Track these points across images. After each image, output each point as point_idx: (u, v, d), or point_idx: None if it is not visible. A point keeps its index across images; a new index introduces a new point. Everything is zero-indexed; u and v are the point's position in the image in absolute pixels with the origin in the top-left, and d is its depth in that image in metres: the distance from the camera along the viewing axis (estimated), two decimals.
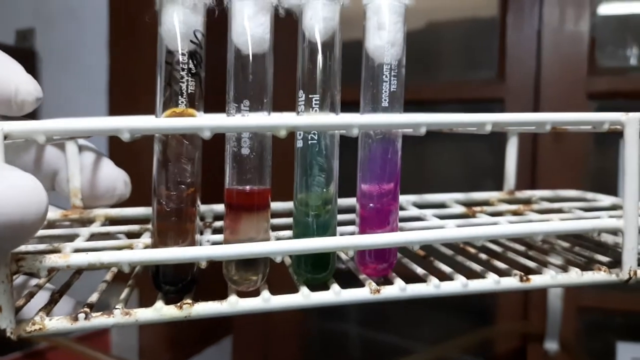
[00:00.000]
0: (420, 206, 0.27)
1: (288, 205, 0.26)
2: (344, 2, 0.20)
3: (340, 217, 0.24)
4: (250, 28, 0.19)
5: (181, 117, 0.19)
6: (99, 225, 0.24)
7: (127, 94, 0.82)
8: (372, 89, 0.21)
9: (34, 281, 0.22)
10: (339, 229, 0.22)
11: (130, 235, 0.24)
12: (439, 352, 0.79)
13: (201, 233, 0.24)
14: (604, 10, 0.78)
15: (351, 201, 0.26)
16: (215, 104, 0.24)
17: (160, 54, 0.19)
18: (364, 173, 0.21)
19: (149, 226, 0.24)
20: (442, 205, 0.28)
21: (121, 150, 0.25)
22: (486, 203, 0.29)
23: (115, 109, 0.83)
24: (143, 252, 0.18)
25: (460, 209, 0.27)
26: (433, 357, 0.81)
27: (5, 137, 0.17)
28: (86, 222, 0.25)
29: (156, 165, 0.19)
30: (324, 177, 0.20)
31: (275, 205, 0.25)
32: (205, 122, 0.18)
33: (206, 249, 0.18)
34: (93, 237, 0.23)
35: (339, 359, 1.00)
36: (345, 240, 0.19)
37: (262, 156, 0.20)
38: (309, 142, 0.20)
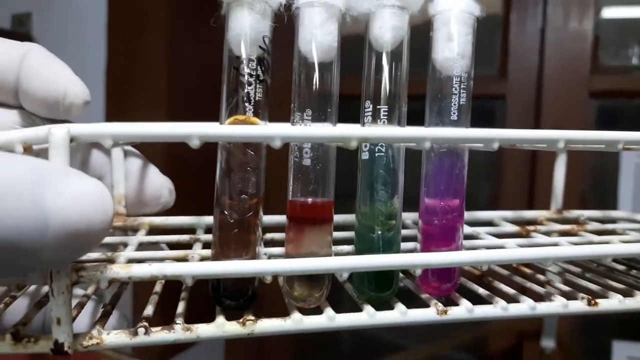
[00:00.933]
0: (470, 223, 0.27)
1: (350, 217, 0.25)
2: (414, 10, 0.20)
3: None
4: (319, 35, 0.19)
5: (245, 124, 0.18)
6: (143, 233, 0.24)
7: (125, 80, 0.81)
8: (440, 101, 0.20)
9: (79, 291, 0.21)
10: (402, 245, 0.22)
11: (178, 245, 0.23)
12: (434, 349, 0.78)
13: None
14: (607, 9, 0.78)
15: (410, 216, 0.26)
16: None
17: (225, 58, 0.19)
18: (429, 187, 0.20)
19: (199, 236, 0.23)
20: (490, 223, 0.27)
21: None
22: (535, 222, 0.28)
23: (112, 95, 0.81)
24: (208, 264, 0.17)
25: (513, 228, 0.26)
26: (429, 353, 0.80)
27: (72, 140, 0.16)
28: (129, 229, 0.24)
29: (219, 174, 0.19)
30: (389, 191, 0.19)
31: (336, 218, 0.24)
32: (276, 130, 0.17)
33: (273, 262, 0.17)
34: (141, 246, 0.22)
35: (333, 355, 0.98)
36: (414, 258, 0.18)
37: (326, 167, 0.19)
38: (376, 154, 0.19)
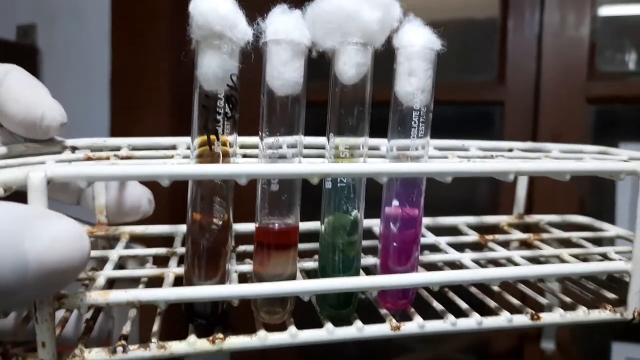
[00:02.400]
0: (434, 230, 0.28)
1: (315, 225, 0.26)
2: (376, 46, 0.21)
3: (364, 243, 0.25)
4: (284, 72, 0.20)
5: (216, 159, 0.20)
6: (123, 243, 0.25)
7: (129, 91, 0.82)
8: (401, 134, 0.21)
9: None
10: (362, 260, 0.23)
11: (156, 259, 0.25)
12: (436, 351, 0.81)
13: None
14: (604, 15, 0.79)
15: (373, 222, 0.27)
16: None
17: (195, 94, 0.20)
18: (388, 214, 0.22)
19: (175, 249, 0.25)
20: (454, 229, 0.29)
21: None
22: (497, 227, 0.30)
23: (117, 106, 0.82)
24: (179, 290, 0.19)
25: (473, 237, 0.28)
26: (430, 356, 0.83)
27: (48, 182, 0.17)
28: (111, 238, 0.26)
29: (190, 201, 0.20)
30: (351, 216, 0.21)
31: (303, 226, 0.26)
32: (242, 169, 0.18)
33: (239, 288, 0.19)
34: (121, 259, 0.24)
35: (336, 356, 1.02)
36: (369, 281, 0.20)
37: (291, 194, 0.21)
38: (338, 184, 0.21)
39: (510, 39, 0.79)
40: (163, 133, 0.26)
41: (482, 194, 0.88)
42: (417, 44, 0.21)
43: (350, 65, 0.20)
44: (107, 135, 0.81)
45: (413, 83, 0.21)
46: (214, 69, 0.19)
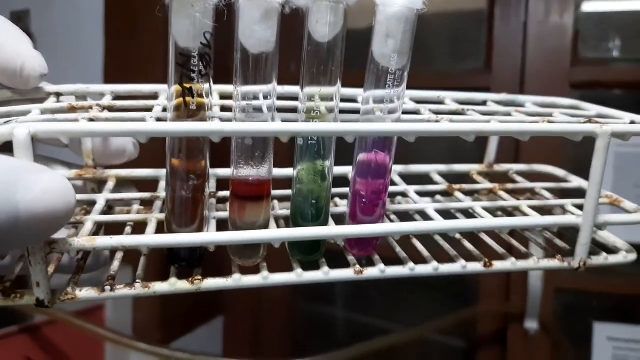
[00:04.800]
0: (406, 177, 0.30)
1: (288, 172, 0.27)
2: (350, 4, 0.21)
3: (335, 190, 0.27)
4: (257, 31, 0.20)
5: (192, 115, 0.21)
6: (110, 186, 0.27)
7: (123, 75, 0.81)
8: (375, 92, 0.22)
9: None
10: (332, 209, 0.25)
11: (141, 202, 0.26)
12: (420, 332, 0.85)
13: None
14: (587, 3, 0.81)
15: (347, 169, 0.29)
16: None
17: (171, 52, 0.20)
18: (358, 169, 0.23)
19: (159, 194, 0.26)
20: (426, 177, 0.31)
21: None
22: (466, 176, 0.31)
23: None
24: (161, 237, 0.20)
25: (441, 186, 0.29)
26: (414, 337, 0.86)
27: (32, 138, 0.18)
28: (99, 181, 0.27)
29: (169, 153, 0.21)
30: (320, 173, 0.22)
31: (277, 172, 0.27)
32: (215, 126, 0.19)
33: (215, 235, 0.21)
34: (107, 202, 0.25)
35: (325, 339, 1.07)
36: (337, 230, 0.22)
37: (264, 148, 0.22)
38: (309, 142, 0.22)
39: (496, 27, 0.81)
40: None
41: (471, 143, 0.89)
42: (397, 4, 0.21)
43: (323, 24, 0.21)
44: None
45: (390, 45, 0.21)
46: (187, 27, 0.20)
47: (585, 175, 0.24)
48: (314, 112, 0.21)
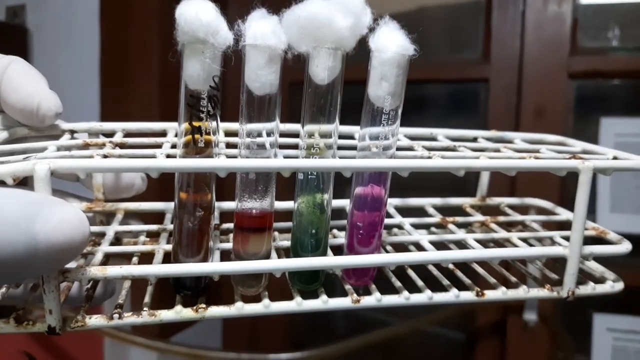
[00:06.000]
0: (401, 209, 0.31)
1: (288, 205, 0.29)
2: (347, 50, 0.23)
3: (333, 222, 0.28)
4: (262, 75, 0.22)
5: (200, 152, 0.22)
6: (119, 219, 0.28)
7: (119, 70, 0.82)
8: (370, 130, 0.23)
9: None
10: (330, 240, 0.26)
11: (149, 234, 0.27)
12: (418, 324, 0.85)
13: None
14: None
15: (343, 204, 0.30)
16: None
17: (181, 92, 0.22)
18: (356, 202, 0.24)
19: (165, 226, 0.27)
20: (421, 210, 0.32)
21: None
22: (460, 208, 0.33)
23: (107, 84, 0.83)
24: (168, 267, 0.21)
25: (436, 219, 0.31)
26: (413, 329, 0.86)
27: (52, 174, 0.20)
28: (108, 214, 0.29)
29: (177, 188, 0.23)
30: (319, 207, 0.24)
31: (278, 205, 0.28)
32: (222, 163, 0.21)
33: (219, 265, 0.22)
34: (116, 234, 0.26)
35: (324, 333, 1.07)
36: (335, 260, 0.23)
37: (267, 183, 0.23)
38: (309, 176, 0.23)
39: (494, 17, 0.80)
40: (153, 110, 0.29)
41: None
42: (390, 50, 0.22)
43: (323, 68, 0.22)
44: (97, 113, 0.82)
45: (384, 88, 0.23)
46: (197, 71, 0.21)
47: None
48: (313, 148, 0.23)
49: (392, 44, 0.22)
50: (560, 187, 0.78)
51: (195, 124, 0.22)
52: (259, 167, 0.21)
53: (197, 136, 0.22)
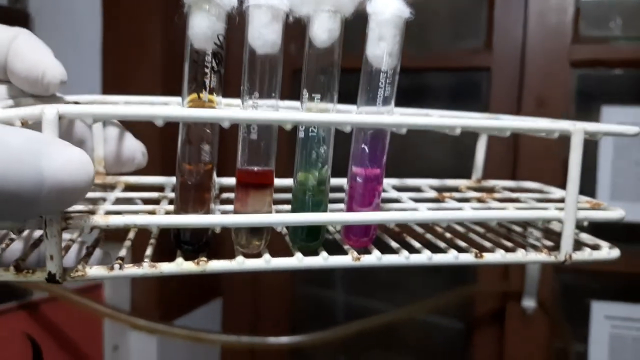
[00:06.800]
0: (400, 189, 0.32)
1: (289, 181, 0.29)
2: (346, 14, 0.24)
3: (332, 194, 0.28)
4: (265, 34, 0.23)
5: (204, 107, 0.23)
6: (120, 190, 0.28)
7: (121, 54, 0.83)
8: (369, 92, 0.24)
9: (66, 236, 0.26)
10: (330, 206, 0.26)
11: (149, 201, 0.28)
12: (417, 310, 0.84)
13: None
14: None
15: (343, 181, 0.30)
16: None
17: (187, 51, 0.23)
18: (355, 160, 0.25)
19: (166, 194, 0.28)
20: (418, 189, 0.32)
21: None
22: (455, 189, 0.33)
23: (108, 69, 0.84)
24: (170, 217, 0.22)
25: (433, 194, 0.31)
26: (412, 314, 0.85)
27: (60, 118, 0.20)
28: (108, 187, 0.29)
29: (180, 144, 0.23)
30: (320, 163, 0.24)
31: (278, 181, 0.29)
32: (225, 113, 0.21)
33: (221, 217, 0.22)
34: (118, 200, 0.27)
35: (324, 320, 1.06)
36: (335, 216, 0.23)
37: (268, 142, 0.24)
38: (310, 134, 0.24)
39: (497, 5, 0.81)
40: (155, 93, 0.29)
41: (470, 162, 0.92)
42: (387, 12, 0.24)
43: (323, 30, 0.23)
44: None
45: (382, 47, 0.24)
46: (203, 29, 0.22)
47: None
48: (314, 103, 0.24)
49: (389, 6, 0.23)
50: (562, 174, 0.79)
51: (200, 79, 0.22)
52: (262, 118, 0.22)
53: (202, 94, 0.23)
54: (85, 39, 0.84)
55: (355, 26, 0.25)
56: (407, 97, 0.92)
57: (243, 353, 1.01)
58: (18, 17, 0.84)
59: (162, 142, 0.68)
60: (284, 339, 0.71)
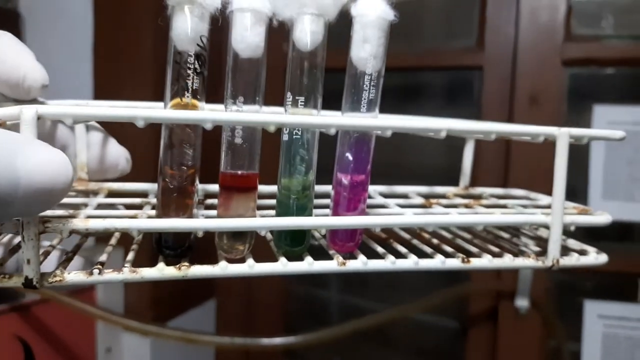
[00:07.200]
0: (387, 195, 0.31)
1: (273, 188, 0.29)
2: (330, 17, 0.24)
3: (318, 201, 0.28)
4: (248, 37, 0.23)
5: (186, 109, 0.22)
6: (102, 196, 0.28)
7: (112, 56, 0.83)
8: (354, 95, 0.24)
9: (46, 242, 0.25)
10: (315, 211, 0.26)
11: (132, 207, 0.27)
12: (411, 309, 0.83)
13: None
14: None
15: (328, 188, 0.30)
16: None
17: (170, 53, 0.23)
18: (340, 165, 0.25)
19: (149, 200, 0.27)
20: (405, 196, 0.32)
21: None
22: (443, 196, 0.33)
23: (100, 70, 0.83)
24: (151, 221, 0.21)
25: (420, 200, 0.31)
26: (405, 314, 0.85)
27: (38, 118, 0.20)
28: (90, 193, 0.28)
29: (163, 148, 0.23)
30: (304, 167, 0.24)
31: (262, 188, 0.29)
32: (208, 115, 0.21)
33: (203, 221, 0.22)
34: (100, 206, 0.26)
35: (318, 321, 1.05)
36: (319, 221, 0.23)
37: (252, 145, 0.23)
38: (294, 136, 0.24)
39: (489, 4, 0.82)
40: (146, 97, 0.29)
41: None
42: (372, 14, 0.24)
43: (306, 34, 0.23)
44: (90, 98, 0.82)
45: (367, 49, 0.24)
46: (185, 30, 0.22)
47: None
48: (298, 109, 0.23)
49: (374, 8, 0.23)
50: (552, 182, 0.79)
51: (182, 81, 0.22)
52: (245, 120, 0.22)
53: (184, 96, 0.22)
54: (76, 40, 0.84)
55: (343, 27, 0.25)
56: (400, 96, 0.92)
57: (237, 354, 1.00)
58: (9, 17, 0.83)
59: (148, 148, 0.67)
60: (277, 340, 0.70)
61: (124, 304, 0.81)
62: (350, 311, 1.01)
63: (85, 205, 0.26)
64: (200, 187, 0.30)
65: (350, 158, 0.25)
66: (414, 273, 0.99)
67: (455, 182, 0.36)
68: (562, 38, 0.79)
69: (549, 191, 0.33)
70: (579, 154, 0.82)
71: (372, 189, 0.32)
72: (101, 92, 0.83)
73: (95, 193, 0.28)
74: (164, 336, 0.67)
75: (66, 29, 0.85)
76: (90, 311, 0.66)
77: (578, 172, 0.82)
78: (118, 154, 0.29)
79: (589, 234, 0.77)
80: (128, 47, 0.81)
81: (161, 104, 0.28)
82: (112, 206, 0.27)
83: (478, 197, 0.33)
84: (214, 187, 0.29)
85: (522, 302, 0.81)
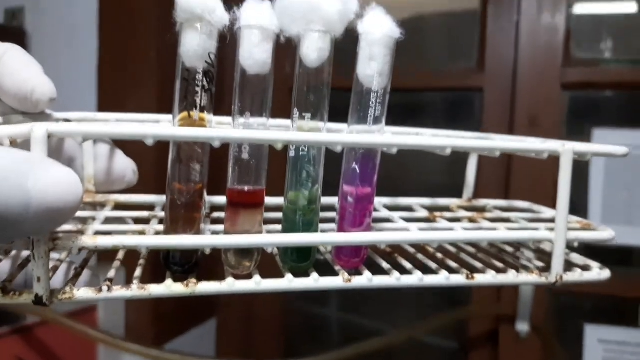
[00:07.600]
0: (391, 208, 0.32)
1: (279, 200, 0.29)
2: (336, 34, 0.24)
3: (324, 214, 0.28)
4: (255, 53, 0.23)
5: (194, 125, 0.23)
6: (110, 208, 0.28)
7: (117, 73, 0.83)
8: (360, 112, 0.24)
9: (55, 255, 0.26)
10: (321, 225, 0.26)
11: (139, 220, 0.27)
12: (412, 332, 0.84)
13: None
14: (579, 4, 0.82)
15: (334, 200, 0.30)
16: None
17: (178, 69, 0.23)
18: (346, 179, 0.25)
19: (156, 213, 0.27)
20: (410, 208, 0.32)
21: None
22: (447, 209, 0.33)
23: (104, 89, 0.84)
24: (159, 238, 0.21)
25: (424, 214, 0.31)
26: (407, 337, 0.85)
27: (49, 137, 0.20)
28: (98, 205, 0.29)
29: (171, 163, 0.23)
30: (310, 182, 0.24)
31: (269, 200, 0.29)
32: (216, 133, 0.21)
33: (211, 238, 0.22)
34: (107, 220, 0.26)
35: (318, 341, 1.05)
36: (326, 238, 0.23)
37: (259, 161, 0.24)
38: (300, 153, 0.24)
39: (489, 27, 0.83)
40: (150, 109, 0.29)
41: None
42: (378, 32, 0.24)
43: (313, 50, 0.23)
44: (95, 110, 0.83)
45: (373, 67, 0.24)
46: (194, 47, 0.22)
47: None
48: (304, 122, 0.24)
49: (380, 26, 0.24)
50: (554, 193, 0.79)
51: (190, 97, 0.22)
52: (253, 138, 0.22)
53: (192, 112, 0.23)
54: (81, 57, 0.85)
55: (348, 47, 0.25)
56: (401, 116, 0.93)
57: None
58: (15, 35, 0.84)
59: (155, 160, 0.68)
60: None
61: (124, 324, 0.81)
62: (351, 329, 1.02)
63: (93, 219, 0.26)
64: (207, 199, 0.30)
65: (357, 172, 0.25)
66: (414, 289, 0.98)
67: (457, 192, 0.36)
68: (561, 61, 0.80)
69: (549, 202, 0.33)
70: (579, 177, 0.82)
71: (377, 201, 0.33)
72: (106, 109, 0.83)
73: (102, 205, 0.28)
74: (163, 359, 0.67)
75: (72, 47, 0.86)
76: (89, 333, 0.67)
77: (578, 196, 0.82)
78: (125, 166, 0.29)
79: (589, 257, 0.76)
80: (133, 65, 0.82)
81: (168, 116, 0.29)
82: (119, 220, 0.27)
83: (482, 210, 0.33)
84: (221, 199, 0.29)
85: (522, 326, 0.81)
